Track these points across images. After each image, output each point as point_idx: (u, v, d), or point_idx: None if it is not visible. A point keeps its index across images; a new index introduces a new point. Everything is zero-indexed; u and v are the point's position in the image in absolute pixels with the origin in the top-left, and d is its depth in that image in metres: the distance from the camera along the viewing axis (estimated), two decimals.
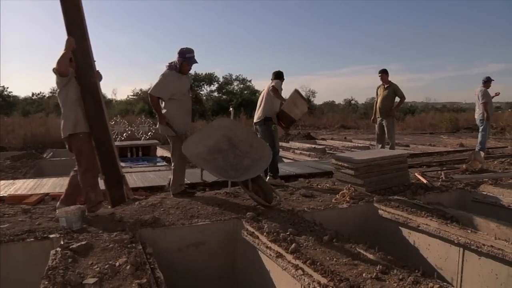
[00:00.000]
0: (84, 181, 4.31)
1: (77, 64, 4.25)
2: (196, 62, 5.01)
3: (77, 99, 4.28)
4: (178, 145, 4.91)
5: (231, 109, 5.55)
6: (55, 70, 4.18)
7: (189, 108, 5.19)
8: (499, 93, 9.74)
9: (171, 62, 5.02)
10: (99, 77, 4.45)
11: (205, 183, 5.48)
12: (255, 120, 6.12)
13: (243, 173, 4.64)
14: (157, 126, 5.21)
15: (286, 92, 6.50)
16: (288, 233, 3.56)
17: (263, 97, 6.08)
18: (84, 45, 4.26)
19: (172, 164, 5.19)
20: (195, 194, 5.23)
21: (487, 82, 9.38)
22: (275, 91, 5.84)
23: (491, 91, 9.39)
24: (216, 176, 4.67)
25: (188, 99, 5.16)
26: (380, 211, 4.55)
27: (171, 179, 5.16)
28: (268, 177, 5.88)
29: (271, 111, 5.93)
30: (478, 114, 9.44)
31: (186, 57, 4.90)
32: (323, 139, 15.03)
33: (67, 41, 4.13)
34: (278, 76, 6.15)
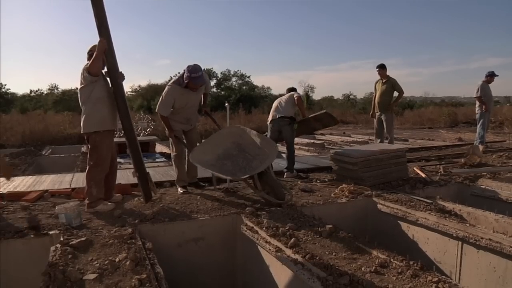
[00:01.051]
0: (90, 174, 4.37)
1: (107, 65, 4.31)
2: (203, 83, 5.10)
3: (103, 97, 4.35)
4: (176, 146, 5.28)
5: (226, 104, 5.56)
6: (87, 71, 4.21)
7: (187, 116, 5.30)
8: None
9: (180, 75, 5.14)
10: (121, 77, 4.47)
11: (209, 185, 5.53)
12: (275, 117, 6.30)
13: (251, 172, 4.58)
14: (166, 133, 5.34)
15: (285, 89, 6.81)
16: (287, 228, 3.57)
17: (283, 101, 6.35)
18: (111, 46, 4.29)
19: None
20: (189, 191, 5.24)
21: (490, 76, 9.41)
22: (301, 102, 6.32)
23: (494, 86, 9.42)
24: (224, 177, 4.77)
25: (188, 109, 5.25)
26: (379, 205, 4.57)
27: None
28: (285, 174, 6.22)
29: (292, 113, 6.24)
30: (476, 107, 9.49)
31: (192, 77, 4.92)
32: (322, 134, 15.02)
33: (100, 43, 4.17)
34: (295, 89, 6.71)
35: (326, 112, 6.63)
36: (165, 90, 5.20)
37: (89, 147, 4.44)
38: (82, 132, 4.43)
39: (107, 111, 4.36)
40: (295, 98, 6.23)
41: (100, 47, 4.16)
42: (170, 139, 5.30)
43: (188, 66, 4.96)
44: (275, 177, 4.80)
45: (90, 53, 4.43)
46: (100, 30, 4.21)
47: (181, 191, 5.11)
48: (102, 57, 4.24)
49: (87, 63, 4.33)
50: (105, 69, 4.41)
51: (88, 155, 4.46)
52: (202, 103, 5.51)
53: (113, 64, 4.34)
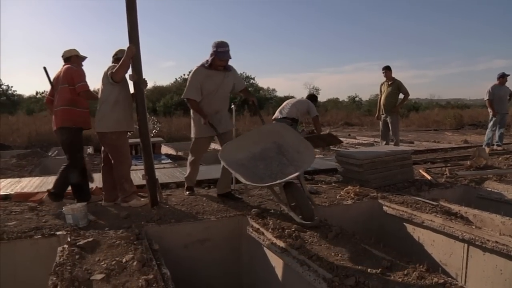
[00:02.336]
0: (118, 172, 4.48)
1: (132, 71, 4.34)
2: (229, 58, 4.61)
3: (121, 99, 4.41)
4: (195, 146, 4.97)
5: (232, 106, 5.55)
6: (111, 76, 4.27)
7: (215, 107, 4.77)
8: None
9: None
10: (145, 84, 4.51)
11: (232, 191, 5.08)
12: (277, 117, 6.42)
13: (280, 179, 3.82)
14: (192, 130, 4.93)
15: (292, 90, 7.00)
16: (293, 229, 3.57)
17: (290, 104, 6.49)
18: (138, 52, 4.32)
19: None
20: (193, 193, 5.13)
21: (501, 78, 9.40)
22: (318, 121, 6.53)
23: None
24: (248, 183, 3.80)
25: (217, 97, 4.74)
26: (384, 207, 4.56)
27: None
28: None
29: (295, 115, 6.31)
30: (489, 110, 9.54)
31: (218, 51, 4.51)
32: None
33: (129, 49, 4.21)
34: (314, 99, 6.91)
35: (330, 134, 6.97)
36: (189, 75, 4.83)
37: (109, 148, 4.50)
38: (96, 131, 4.49)
39: (123, 114, 4.43)
40: (313, 118, 6.44)
41: (128, 54, 4.20)
42: (193, 139, 4.93)
43: (214, 42, 4.56)
44: (304, 191, 3.99)
45: (115, 57, 4.51)
46: (131, 36, 4.24)
47: (187, 193, 5.08)
48: (129, 64, 4.28)
49: (113, 66, 4.40)
50: (129, 72, 4.42)
51: (109, 155, 4.53)
52: (246, 94, 5.13)
53: (138, 70, 4.36)
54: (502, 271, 3.36)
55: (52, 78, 4.66)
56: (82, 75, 4.49)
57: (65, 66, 4.57)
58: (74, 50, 4.71)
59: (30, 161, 9.28)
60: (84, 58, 4.77)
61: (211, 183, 5.76)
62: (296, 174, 3.67)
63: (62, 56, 4.63)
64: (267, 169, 3.98)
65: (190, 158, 5.07)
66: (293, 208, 3.81)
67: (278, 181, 3.66)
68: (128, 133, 4.65)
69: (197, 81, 4.63)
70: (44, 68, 4.74)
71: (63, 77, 4.47)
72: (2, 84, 34.25)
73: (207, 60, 4.63)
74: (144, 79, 4.46)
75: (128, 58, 4.21)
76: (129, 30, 4.24)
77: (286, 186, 3.84)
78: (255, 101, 4.91)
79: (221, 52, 4.52)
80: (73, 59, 4.64)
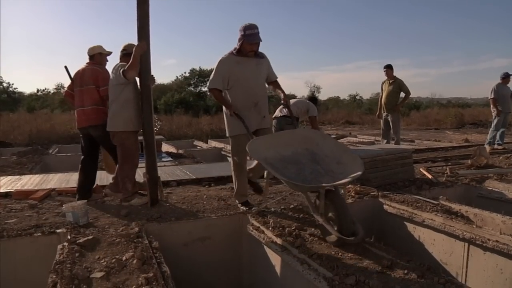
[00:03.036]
0: (122, 172, 4.48)
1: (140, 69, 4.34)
2: (259, 40, 4.07)
3: (132, 98, 4.41)
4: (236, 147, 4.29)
5: None
6: (124, 74, 4.25)
7: (254, 97, 4.25)
8: None
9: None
10: (152, 81, 4.51)
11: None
12: (277, 115, 6.50)
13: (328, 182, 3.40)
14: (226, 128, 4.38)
15: (293, 88, 7.17)
16: (293, 228, 3.57)
17: (296, 105, 6.58)
18: (148, 50, 4.33)
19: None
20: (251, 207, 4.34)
21: (505, 78, 9.39)
22: (315, 121, 6.65)
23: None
24: (290, 182, 3.37)
25: (253, 85, 4.24)
26: (385, 206, 4.55)
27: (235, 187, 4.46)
28: None
29: (295, 113, 6.21)
30: (492, 109, 9.51)
31: (246, 34, 4.02)
32: (327, 135, 15.01)
33: (139, 47, 4.21)
34: (314, 101, 7.04)
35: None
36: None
37: (117, 146, 4.51)
38: (107, 130, 4.51)
39: (133, 113, 4.43)
40: (310, 117, 6.57)
41: (138, 50, 4.21)
42: (230, 139, 4.32)
43: (241, 25, 4.07)
44: (345, 203, 3.42)
45: (124, 52, 4.53)
46: (140, 33, 4.24)
47: (242, 208, 4.32)
48: (139, 61, 4.28)
49: (121, 64, 4.39)
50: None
51: (117, 153, 4.54)
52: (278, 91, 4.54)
53: (146, 67, 4.36)
54: (502, 270, 3.35)
55: (72, 74, 4.82)
56: (106, 78, 4.61)
57: (90, 67, 4.70)
58: (97, 47, 4.78)
59: (31, 159, 9.29)
60: (108, 53, 4.88)
61: (212, 181, 5.76)
62: (347, 180, 3.31)
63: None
64: (299, 174, 3.58)
65: (233, 164, 4.35)
66: (328, 219, 3.28)
67: (338, 182, 3.26)
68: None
69: (224, 70, 4.14)
70: (65, 67, 4.87)
71: (89, 78, 4.64)
72: (3, 82, 34.26)
73: (235, 48, 4.16)
74: (152, 75, 4.46)
75: (139, 55, 4.21)
76: (139, 26, 4.22)
77: (326, 194, 3.28)
78: (288, 102, 4.50)
79: (249, 35, 4.02)
80: (96, 58, 4.77)
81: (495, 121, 9.43)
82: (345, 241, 3.07)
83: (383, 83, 8.56)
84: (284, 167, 3.60)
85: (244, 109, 4.17)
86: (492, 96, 9.29)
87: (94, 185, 5.05)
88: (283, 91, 4.47)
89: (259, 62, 4.24)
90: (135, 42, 4.29)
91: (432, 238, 4.03)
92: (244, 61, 4.14)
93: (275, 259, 3.44)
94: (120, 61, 4.51)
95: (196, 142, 13.74)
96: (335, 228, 3.15)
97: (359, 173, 3.30)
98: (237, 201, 4.44)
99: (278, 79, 4.52)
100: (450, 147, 9.95)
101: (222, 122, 18.63)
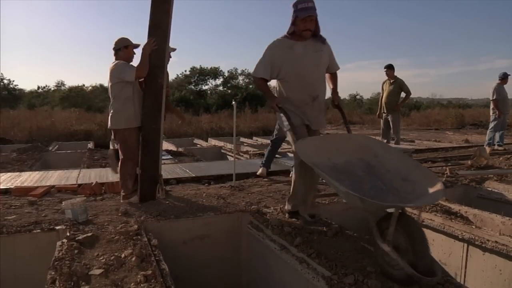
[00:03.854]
0: (123, 169, 4.48)
1: (149, 64, 4.30)
2: (314, 14, 3.39)
3: (132, 96, 4.38)
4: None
5: (233, 102, 5.49)
6: (136, 75, 4.23)
7: (312, 91, 3.58)
8: None
9: None
10: (167, 76, 4.48)
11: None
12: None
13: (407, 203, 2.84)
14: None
15: None
16: (292, 227, 3.56)
17: None
18: (162, 47, 4.30)
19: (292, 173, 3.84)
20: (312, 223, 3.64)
21: (504, 78, 9.37)
22: None
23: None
24: (344, 191, 2.68)
25: (311, 75, 3.56)
26: None
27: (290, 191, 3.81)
28: (260, 169, 6.00)
29: None
30: (491, 109, 9.48)
31: (298, 9, 3.37)
32: (328, 134, 15.00)
33: (147, 44, 4.21)
34: None
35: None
36: None
37: (119, 143, 4.50)
38: (109, 127, 4.51)
39: (134, 110, 4.40)
40: None
41: (147, 48, 4.20)
42: (289, 133, 3.56)
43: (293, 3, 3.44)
44: (423, 232, 2.62)
45: (116, 49, 4.42)
46: (151, 30, 4.24)
47: (289, 215, 3.79)
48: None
49: (122, 62, 4.34)
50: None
51: (119, 151, 4.53)
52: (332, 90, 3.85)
53: (157, 65, 4.34)
54: (501, 271, 3.35)
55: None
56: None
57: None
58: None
59: (31, 156, 9.29)
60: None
61: (211, 179, 5.75)
62: (430, 201, 2.86)
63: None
64: (355, 188, 2.85)
65: (296, 160, 3.59)
66: (403, 252, 2.50)
67: (420, 202, 2.76)
68: None
69: (273, 55, 3.52)
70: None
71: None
72: (4, 79, 34.26)
73: (288, 30, 3.54)
74: (166, 71, 4.47)
75: (147, 54, 4.21)
76: (149, 25, 4.19)
77: (399, 218, 2.59)
78: (339, 104, 3.84)
79: (302, 9, 3.36)
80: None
81: (494, 122, 9.41)
82: (420, 281, 2.35)
83: (383, 83, 8.56)
84: (337, 178, 2.94)
85: (301, 103, 3.55)
86: (495, 97, 9.26)
87: (94, 182, 5.06)
88: (336, 88, 3.83)
89: (319, 47, 3.57)
90: (132, 38, 4.29)
91: (431, 238, 4.03)
92: (299, 45, 3.50)
93: (274, 258, 3.44)
94: (114, 58, 4.48)
95: (196, 140, 13.75)
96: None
97: (441, 195, 2.75)
98: (288, 206, 3.81)
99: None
100: (450, 148, 9.95)
101: (222, 120, 18.76)
